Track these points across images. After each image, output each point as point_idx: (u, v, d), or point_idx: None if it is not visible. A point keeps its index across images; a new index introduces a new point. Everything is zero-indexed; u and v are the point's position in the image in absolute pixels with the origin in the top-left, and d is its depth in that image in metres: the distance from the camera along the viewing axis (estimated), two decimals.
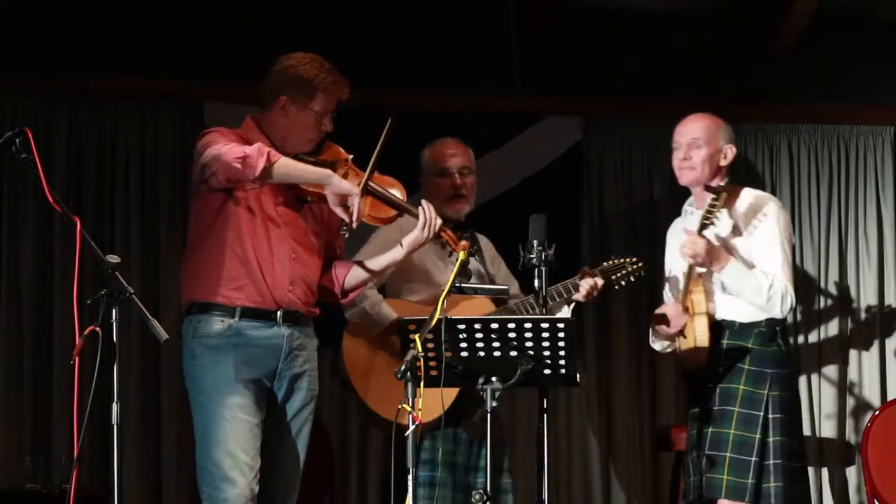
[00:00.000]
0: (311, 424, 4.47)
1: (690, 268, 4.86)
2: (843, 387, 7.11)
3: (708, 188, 4.87)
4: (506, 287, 5.02)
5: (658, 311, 5.07)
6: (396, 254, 4.54)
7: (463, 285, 4.45)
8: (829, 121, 7.21)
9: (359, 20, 6.76)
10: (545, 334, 4.02)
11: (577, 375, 4.13)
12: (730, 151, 5.05)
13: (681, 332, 4.94)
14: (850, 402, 7.12)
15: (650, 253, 7.08)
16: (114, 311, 3.73)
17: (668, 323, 4.98)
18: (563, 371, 4.08)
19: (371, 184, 4.40)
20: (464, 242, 4.48)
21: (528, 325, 4.02)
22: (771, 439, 4.78)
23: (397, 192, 4.49)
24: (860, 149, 7.24)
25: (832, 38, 7.10)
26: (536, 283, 4.26)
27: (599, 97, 7.03)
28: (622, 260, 5.34)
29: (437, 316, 3.93)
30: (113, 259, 3.82)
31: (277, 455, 4.40)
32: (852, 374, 7.12)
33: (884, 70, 7.15)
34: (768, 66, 7.12)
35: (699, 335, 4.86)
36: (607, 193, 7.08)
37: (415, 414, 3.80)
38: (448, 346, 4.00)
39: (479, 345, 4.04)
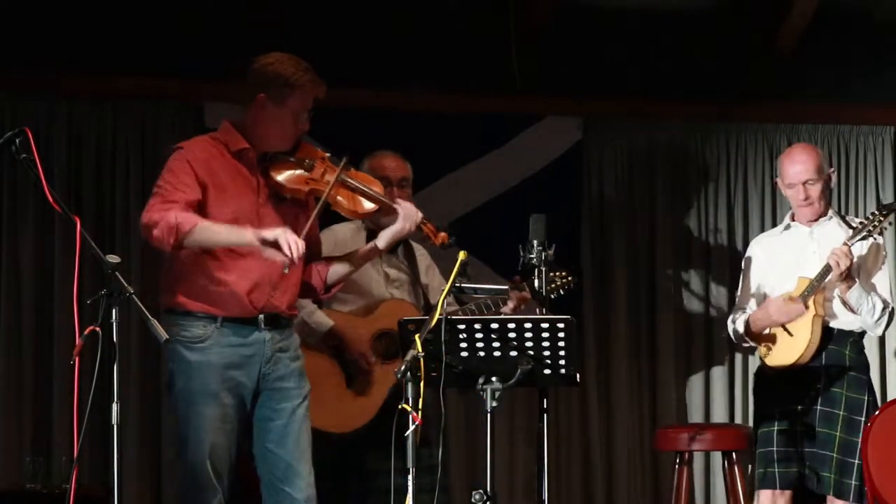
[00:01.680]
0: (309, 421, 4.46)
1: (825, 274, 5.09)
2: None
3: (883, 206, 5.20)
4: (506, 287, 5.01)
5: (770, 303, 5.24)
6: (378, 244, 4.56)
7: (463, 285, 4.44)
8: (829, 121, 7.21)
9: (358, 20, 6.75)
10: (545, 334, 4.02)
11: (577, 375, 4.13)
12: (833, 175, 5.43)
13: (766, 344, 5.23)
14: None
15: (650, 253, 7.10)
16: (114, 311, 3.73)
17: (772, 313, 5.19)
18: (563, 371, 4.08)
19: (346, 178, 4.44)
20: (443, 234, 4.51)
21: (528, 325, 4.02)
22: (860, 440, 5.18)
23: (375, 188, 4.51)
24: (860, 149, 7.24)
25: (832, 38, 7.10)
26: (536, 283, 4.26)
27: (599, 97, 7.03)
28: (553, 274, 5.32)
29: (437, 316, 3.93)
30: (113, 259, 3.82)
31: (286, 458, 4.41)
32: None
33: (884, 70, 7.15)
34: (768, 66, 7.12)
35: (814, 336, 5.14)
36: (607, 193, 7.08)
37: (414, 414, 3.80)
38: (447, 347, 4.00)
39: (479, 345, 4.04)
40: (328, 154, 4.52)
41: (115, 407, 3.74)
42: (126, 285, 3.76)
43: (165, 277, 4.44)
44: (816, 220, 5.34)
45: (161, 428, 6.53)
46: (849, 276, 5.06)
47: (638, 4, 7.03)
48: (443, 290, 4.09)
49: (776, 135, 7.19)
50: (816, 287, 5.10)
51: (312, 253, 4.56)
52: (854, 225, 5.23)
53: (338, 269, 4.61)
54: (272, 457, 4.39)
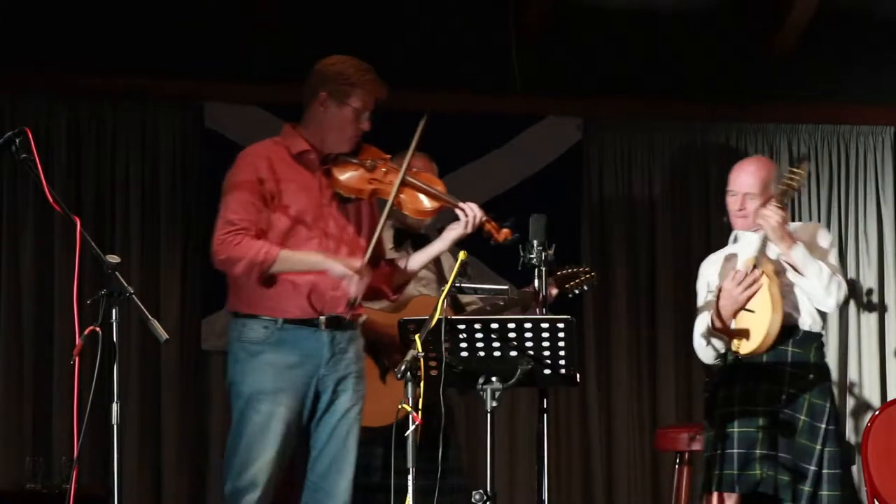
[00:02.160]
0: (359, 425, 4.47)
1: (764, 241, 5.01)
2: (844, 387, 7.11)
3: (793, 164, 5.15)
4: (506, 287, 5.02)
5: (725, 283, 5.10)
6: (439, 247, 4.55)
7: (463, 285, 4.44)
8: (829, 121, 7.21)
9: (358, 20, 6.76)
10: (545, 334, 4.02)
11: (577, 375, 4.13)
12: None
13: (738, 335, 5.09)
14: (850, 402, 7.13)
15: (650, 253, 7.11)
16: (114, 311, 3.73)
17: (729, 288, 5.05)
18: (563, 371, 4.07)
19: (409, 177, 4.44)
20: (505, 231, 4.49)
21: (528, 325, 4.02)
22: (827, 449, 5.01)
23: (438, 187, 4.51)
24: (860, 149, 7.25)
25: (832, 38, 7.10)
26: (536, 283, 4.26)
27: (599, 97, 7.04)
28: (576, 269, 5.32)
29: (437, 316, 3.92)
30: (113, 259, 3.81)
31: (329, 457, 4.42)
32: (852, 374, 7.12)
33: (884, 70, 7.16)
34: (768, 66, 7.12)
35: (775, 301, 4.99)
36: (607, 193, 7.08)
37: (414, 414, 3.80)
38: (447, 347, 4.00)
39: (479, 345, 4.04)
40: (389, 156, 4.51)
41: (115, 407, 3.73)
42: (126, 285, 3.75)
43: (232, 284, 4.45)
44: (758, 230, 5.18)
45: (161, 428, 6.54)
46: (787, 235, 4.97)
47: (638, 4, 7.03)
48: (443, 291, 4.08)
49: (776, 135, 7.19)
50: (762, 253, 4.98)
51: (379, 256, 4.58)
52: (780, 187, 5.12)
53: (404, 272, 4.62)
54: (316, 454, 4.40)
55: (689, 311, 7.00)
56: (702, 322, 5.22)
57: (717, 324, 5.12)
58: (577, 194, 6.98)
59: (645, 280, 7.09)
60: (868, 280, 7.18)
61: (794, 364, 5.08)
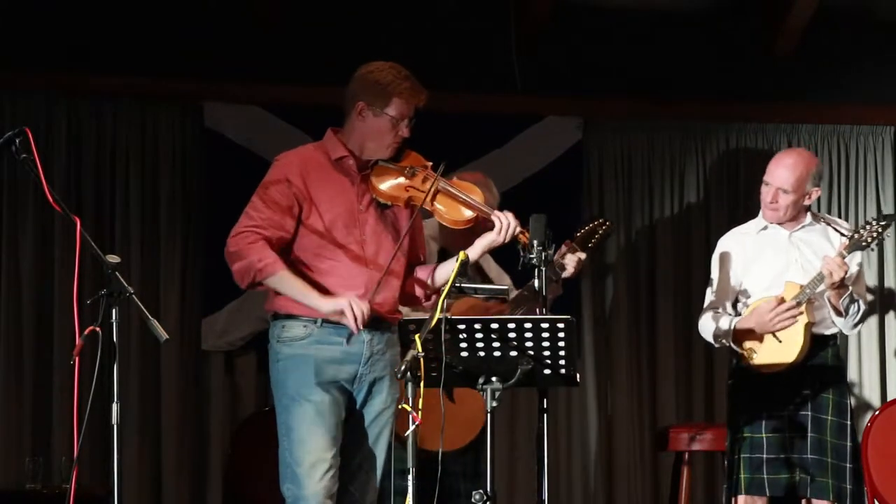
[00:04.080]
0: (392, 427, 4.47)
1: (818, 282, 5.05)
2: None
3: (883, 217, 5.08)
4: (506, 287, 5.01)
5: (758, 308, 5.17)
6: (471, 253, 4.47)
7: (463, 285, 4.43)
8: (829, 121, 7.21)
9: (358, 20, 6.76)
10: (545, 334, 4.02)
11: (577, 375, 4.13)
12: (815, 193, 5.27)
13: (756, 352, 5.16)
14: (850, 402, 7.12)
15: (650, 253, 7.10)
16: (114, 311, 3.73)
17: (766, 321, 5.12)
18: (563, 371, 4.07)
19: (444, 186, 4.43)
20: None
21: (528, 325, 4.02)
22: (851, 445, 5.15)
23: (474, 196, 4.49)
24: (860, 149, 7.25)
25: (832, 38, 7.10)
26: (536, 283, 4.26)
27: (599, 97, 7.04)
28: (592, 224, 5.30)
29: (437, 316, 3.92)
30: (113, 259, 3.82)
31: (359, 457, 4.43)
32: (852, 374, 7.12)
33: (884, 70, 7.16)
34: (768, 66, 7.12)
35: (805, 343, 5.10)
36: (607, 193, 7.08)
37: (415, 414, 3.80)
38: (448, 347, 4.00)
39: (479, 345, 4.04)
40: (431, 163, 4.50)
41: (115, 407, 3.74)
42: (126, 285, 3.76)
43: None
44: (795, 224, 5.25)
45: (161, 428, 6.54)
46: (842, 285, 5.02)
47: (638, 4, 7.03)
48: (442, 291, 4.08)
49: (776, 135, 7.19)
50: (808, 296, 5.05)
51: (415, 258, 4.59)
52: (843, 231, 5.15)
53: (441, 276, 4.58)
54: (347, 454, 4.40)
55: (690, 311, 7.04)
56: (724, 321, 5.23)
57: (739, 336, 5.16)
58: (577, 194, 6.98)
59: (645, 280, 7.09)
60: (868, 280, 7.17)
61: (813, 367, 5.15)
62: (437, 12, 6.86)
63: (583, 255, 5.07)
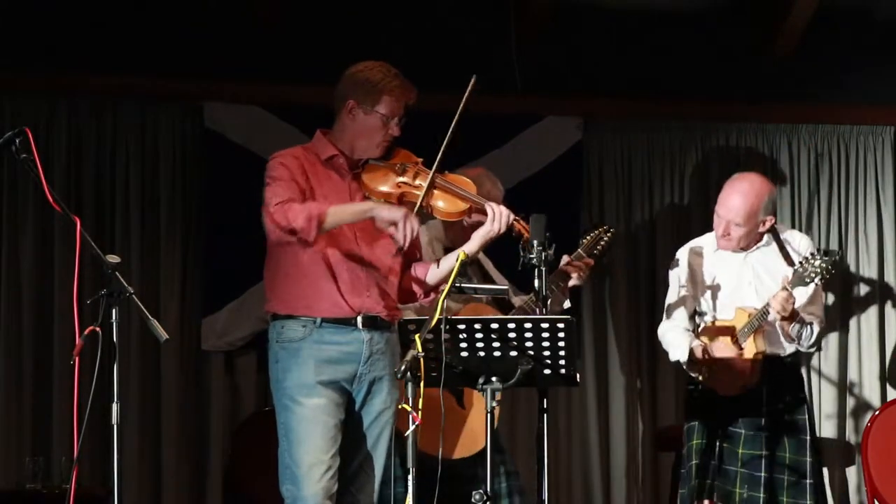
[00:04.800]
0: (392, 427, 4.48)
1: (765, 313, 5.05)
2: (843, 387, 7.11)
3: (826, 252, 4.98)
4: (506, 287, 5.01)
5: (709, 344, 5.21)
6: (469, 249, 4.52)
7: (463, 285, 4.44)
8: (829, 121, 7.21)
9: (358, 20, 6.76)
10: (545, 334, 4.02)
11: (577, 375, 4.13)
12: (768, 221, 5.24)
13: (707, 368, 5.20)
14: (850, 402, 7.13)
15: (650, 253, 7.10)
16: (114, 311, 3.74)
17: (706, 354, 5.18)
18: (563, 371, 4.08)
19: (438, 180, 4.45)
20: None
21: (528, 325, 4.02)
22: (809, 461, 5.12)
23: (469, 189, 4.51)
24: (860, 149, 7.24)
25: (832, 38, 7.10)
26: (536, 283, 4.26)
27: (599, 97, 7.04)
28: (597, 231, 5.32)
29: (437, 316, 3.92)
30: (113, 259, 3.82)
31: (358, 458, 4.44)
32: (852, 374, 7.12)
33: (884, 70, 7.15)
34: (768, 66, 7.12)
35: (755, 373, 5.12)
36: (607, 193, 7.08)
37: (415, 414, 3.80)
38: (448, 346, 4.00)
39: (479, 345, 4.04)
40: (422, 159, 4.52)
41: (115, 407, 3.74)
42: (126, 285, 3.76)
43: (268, 286, 4.48)
44: (750, 245, 5.23)
45: (161, 428, 6.54)
46: (792, 317, 5.02)
47: (638, 4, 7.03)
48: (442, 291, 4.09)
49: (776, 135, 7.19)
50: (755, 326, 5.06)
51: (411, 256, 4.60)
52: (794, 257, 5.12)
53: (437, 272, 4.61)
54: (347, 454, 4.42)
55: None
56: (677, 346, 5.26)
57: (694, 358, 5.18)
58: (577, 194, 6.98)
59: (645, 280, 7.09)
60: (868, 275, 7.17)
61: (769, 387, 5.15)
62: (436, 12, 6.86)
63: (590, 262, 5.09)
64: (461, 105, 4.43)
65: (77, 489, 3.82)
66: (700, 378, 5.19)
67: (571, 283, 5.13)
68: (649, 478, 6.99)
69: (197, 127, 6.66)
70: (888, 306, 7.17)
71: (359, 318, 4.39)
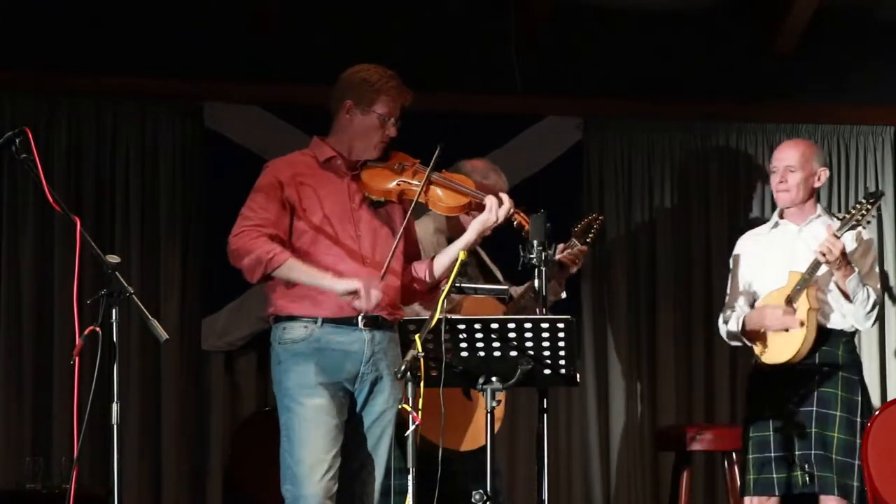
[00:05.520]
0: (393, 427, 4.48)
1: (815, 267, 5.06)
2: None
3: (869, 195, 5.11)
4: (506, 287, 5.01)
5: (766, 311, 5.22)
6: (466, 239, 4.54)
7: (463, 285, 4.44)
8: (829, 121, 7.21)
9: (358, 21, 6.76)
10: (545, 334, 4.02)
11: (577, 375, 4.14)
12: (823, 174, 5.35)
13: (762, 341, 5.21)
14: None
15: (650, 253, 7.10)
16: (114, 311, 3.74)
17: (766, 321, 5.19)
18: (563, 371, 4.08)
19: (436, 176, 4.48)
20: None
21: (528, 325, 4.02)
22: (858, 441, 5.20)
23: (467, 184, 4.54)
24: (860, 149, 7.24)
25: (832, 38, 7.10)
26: (536, 283, 4.26)
27: (599, 97, 7.04)
28: (587, 219, 5.32)
29: (437, 316, 3.93)
30: (113, 259, 3.82)
31: (360, 457, 4.45)
32: None
33: (884, 70, 7.16)
34: (768, 66, 7.12)
35: (809, 331, 5.12)
36: (607, 193, 7.08)
37: (415, 414, 3.80)
38: (448, 346, 4.00)
39: (479, 345, 4.04)
40: (419, 160, 4.54)
41: (115, 407, 3.74)
42: (126, 285, 3.76)
43: (269, 288, 4.48)
44: (804, 218, 5.31)
45: (161, 428, 6.54)
46: (845, 265, 5.03)
47: (638, 4, 7.03)
48: (442, 291, 4.09)
49: (776, 135, 7.18)
50: (808, 281, 5.08)
51: (411, 255, 4.61)
52: (840, 216, 5.21)
53: (440, 267, 4.60)
54: (348, 454, 4.42)
55: (690, 311, 7.06)
56: (732, 321, 5.32)
57: (750, 335, 5.23)
58: (577, 194, 6.98)
59: (645, 280, 7.08)
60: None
61: (823, 364, 5.18)
62: (436, 12, 6.86)
63: (584, 249, 5.10)
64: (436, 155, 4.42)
65: (77, 489, 3.83)
66: (756, 351, 5.23)
67: (567, 271, 5.11)
68: (649, 478, 6.99)
69: (197, 127, 6.66)
70: (888, 306, 7.17)
71: (360, 318, 4.40)
